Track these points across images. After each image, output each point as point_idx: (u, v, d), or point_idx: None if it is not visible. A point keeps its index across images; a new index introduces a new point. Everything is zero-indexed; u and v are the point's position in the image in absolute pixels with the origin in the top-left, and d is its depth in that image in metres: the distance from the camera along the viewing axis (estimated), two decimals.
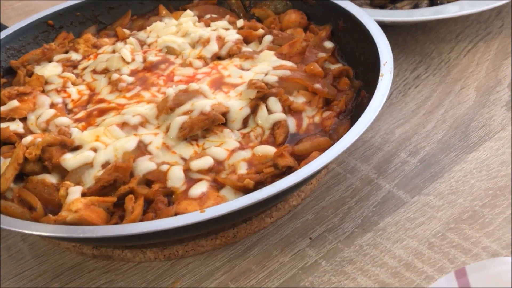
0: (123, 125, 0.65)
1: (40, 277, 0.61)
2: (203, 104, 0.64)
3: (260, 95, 0.67)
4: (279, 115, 0.66)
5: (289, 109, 0.68)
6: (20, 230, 0.51)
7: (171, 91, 0.67)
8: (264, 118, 0.66)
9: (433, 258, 0.57)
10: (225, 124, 0.66)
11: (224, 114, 0.66)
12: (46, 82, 0.76)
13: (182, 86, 0.67)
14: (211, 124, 0.64)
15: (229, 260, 0.60)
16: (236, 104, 0.67)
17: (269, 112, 0.66)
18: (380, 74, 0.64)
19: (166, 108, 0.66)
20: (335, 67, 0.75)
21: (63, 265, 0.62)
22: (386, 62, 0.65)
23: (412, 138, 0.74)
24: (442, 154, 0.70)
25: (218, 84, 0.72)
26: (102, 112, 0.69)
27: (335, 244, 0.60)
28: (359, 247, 0.60)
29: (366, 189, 0.67)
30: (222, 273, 0.59)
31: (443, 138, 0.73)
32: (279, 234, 0.63)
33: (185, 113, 0.64)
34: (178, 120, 0.64)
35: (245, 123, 0.66)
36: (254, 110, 0.67)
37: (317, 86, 0.70)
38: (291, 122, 0.67)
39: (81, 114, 0.69)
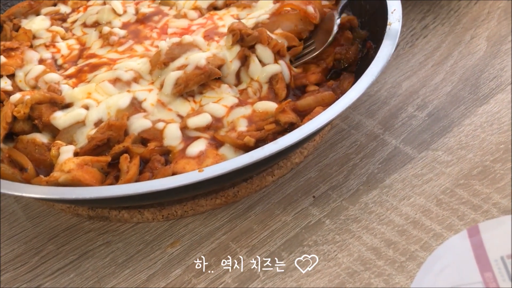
0: (116, 80, 0.62)
1: (35, 239, 0.59)
2: (198, 58, 0.61)
3: (236, 39, 0.62)
4: (274, 67, 0.62)
5: (278, 53, 0.63)
6: (11, 193, 0.48)
7: (164, 44, 0.63)
8: (258, 71, 0.62)
9: (442, 215, 0.55)
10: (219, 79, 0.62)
11: (220, 67, 0.62)
12: (34, 37, 0.72)
13: (176, 39, 0.64)
14: (207, 78, 0.61)
15: (229, 219, 0.58)
16: (226, 55, 0.63)
17: (262, 64, 0.62)
18: (388, 23, 0.60)
19: (160, 63, 0.62)
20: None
21: (59, 226, 0.60)
22: (395, 10, 0.61)
23: (419, 91, 0.70)
24: (451, 107, 0.67)
25: (212, 34, 0.68)
26: (94, 67, 0.66)
27: (339, 202, 0.58)
28: (364, 205, 0.58)
29: (371, 145, 0.64)
30: (223, 233, 0.57)
31: (452, 90, 0.70)
32: (281, 192, 0.60)
33: (179, 68, 0.61)
34: (172, 75, 0.60)
35: (238, 77, 0.63)
36: (244, 62, 0.63)
37: (310, 8, 0.65)
38: (285, 68, 0.62)
39: (72, 70, 0.66)
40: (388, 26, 0.59)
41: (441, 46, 0.77)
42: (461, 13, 0.83)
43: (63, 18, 0.77)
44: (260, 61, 0.62)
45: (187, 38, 0.63)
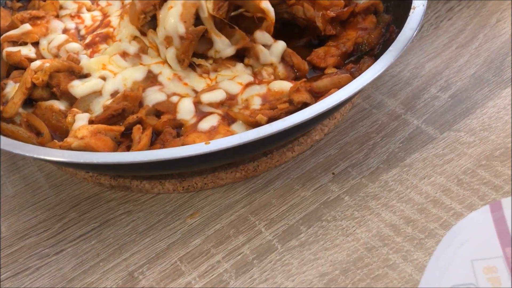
0: (124, 54, 0.62)
1: (58, 206, 0.60)
2: (174, 27, 0.57)
3: None
4: (279, 45, 0.61)
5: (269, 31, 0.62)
6: (23, 153, 0.49)
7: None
8: (268, 56, 0.61)
9: (462, 195, 0.55)
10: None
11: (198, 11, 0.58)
12: (61, 8, 0.73)
13: None
14: (199, 38, 0.59)
15: (249, 193, 0.59)
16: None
17: (267, 47, 0.61)
18: (412, 7, 0.59)
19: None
20: (363, 1, 0.70)
21: (81, 195, 0.61)
22: None
23: (443, 72, 0.70)
24: (474, 89, 0.67)
25: None
26: (104, 38, 0.66)
27: (359, 179, 0.58)
28: (384, 182, 0.57)
29: (392, 125, 0.64)
30: (242, 206, 0.57)
31: (476, 73, 0.69)
32: (300, 168, 0.61)
33: (167, 39, 0.58)
34: (170, 56, 0.60)
35: (248, 65, 0.62)
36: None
37: None
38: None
39: (88, 39, 0.66)
40: (412, 10, 0.58)
41: (466, 28, 0.76)
42: None
43: None
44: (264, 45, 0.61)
45: None
